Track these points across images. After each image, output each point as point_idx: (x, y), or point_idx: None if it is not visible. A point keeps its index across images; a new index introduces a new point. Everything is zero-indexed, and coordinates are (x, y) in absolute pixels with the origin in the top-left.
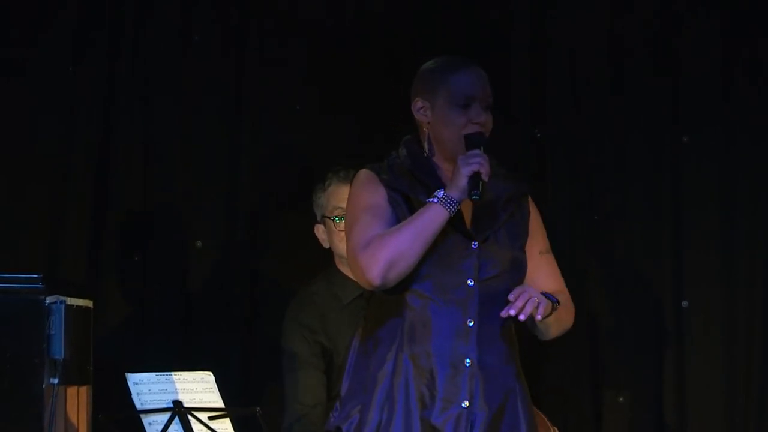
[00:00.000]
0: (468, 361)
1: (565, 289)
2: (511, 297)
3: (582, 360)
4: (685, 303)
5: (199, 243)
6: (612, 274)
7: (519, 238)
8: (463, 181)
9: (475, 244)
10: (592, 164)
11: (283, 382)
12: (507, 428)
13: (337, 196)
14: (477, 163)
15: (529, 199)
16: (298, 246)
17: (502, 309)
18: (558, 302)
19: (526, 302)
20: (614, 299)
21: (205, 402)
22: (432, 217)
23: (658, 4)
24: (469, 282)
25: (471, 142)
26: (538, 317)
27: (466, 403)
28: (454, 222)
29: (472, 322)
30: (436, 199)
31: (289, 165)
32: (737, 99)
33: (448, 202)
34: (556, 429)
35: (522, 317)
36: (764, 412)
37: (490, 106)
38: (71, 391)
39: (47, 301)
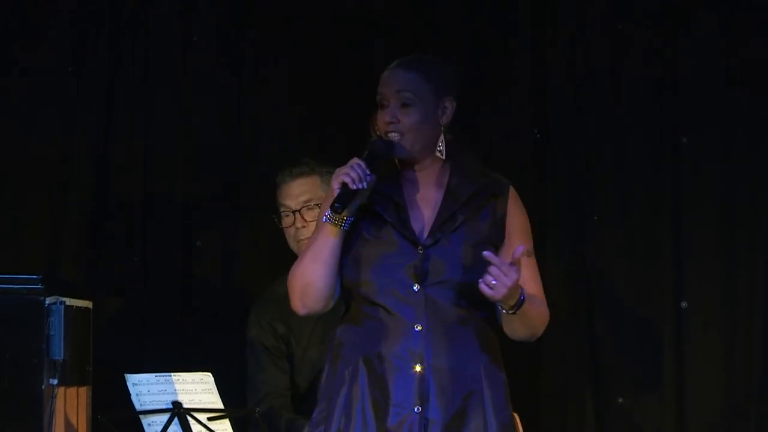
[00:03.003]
0: (418, 366)
1: (543, 297)
2: (486, 255)
3: (582, 361)
4: (684, 304)
5: (199, 243)
6: (612, 275)
7: (481, 238)
8: (336, 194)
9: (420, 249)
10: (592, 164)
11: (247, 374)
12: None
13: (281, 192)
14: (344, 173)
15: (510, 198)
16: None
17: (454, 313)
18: (524, 298)
19: (496, 283)
20: (614, 300)
21: (204, 403)
22: (324, 236)
23: (658, 4)
24: (414, 287)
25: (367, 148)
26: (489, 291)
27: (418, 409)
28: (399, 228)
29: (420, 327)
30: (324, 218)
31: (288, 165)
32: (737, 99)
33: (332, 218)
34: (515, 414)
35: (483, 286)
36: (764, 413)
37: (411, 102)
38: (71, 391)
39: (47, 302)
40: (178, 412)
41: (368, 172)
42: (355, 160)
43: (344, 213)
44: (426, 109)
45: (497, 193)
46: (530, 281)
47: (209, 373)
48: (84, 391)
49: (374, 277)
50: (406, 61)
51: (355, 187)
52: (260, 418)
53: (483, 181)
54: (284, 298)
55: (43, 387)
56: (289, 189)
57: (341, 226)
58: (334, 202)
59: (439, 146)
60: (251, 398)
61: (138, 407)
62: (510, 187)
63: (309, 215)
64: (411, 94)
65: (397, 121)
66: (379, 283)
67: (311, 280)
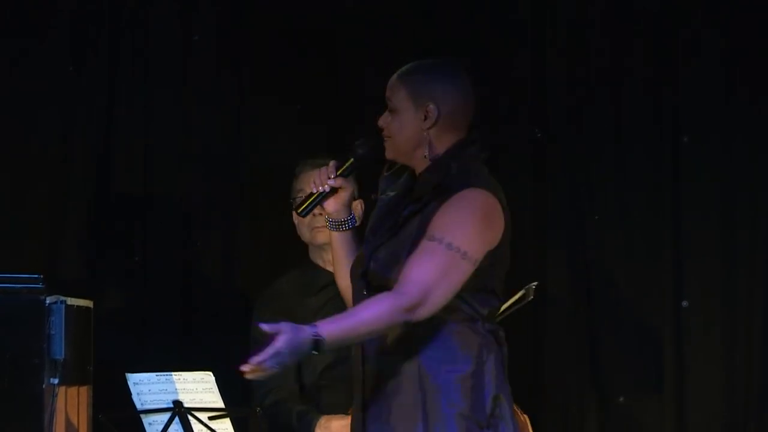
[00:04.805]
0: (361, 368)
1: (407, 280)
2: None
3: (582, 360)
4: (685, 303)
5: (199, 243)
6: (612, 275)
7: (407, 239)
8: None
9: (368, 259)
10: (593, 164)
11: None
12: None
13: (299, 181)
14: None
15: (452, 198)
16: (298, 246)
17: None
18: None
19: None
20: (614, 299)
21: (205, 402)
22: (332, 240)
23: (658, 4)
24: (364, 292)
25: (351, 150)
26: None
27: (361, 409)
28: (366, 234)
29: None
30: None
31: (289, 165)
32: (737, 99)
33: (330, 224)
34: (526, 416)
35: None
36: (764, 413)
37: (393, 108)
38: (71, 391)
39: (47, 301)
40: (179, 411)
41: (334, 175)
42: (330, 163)
43: (325, 215)
44: (405, 115)
45: (441, 199)
46: (407, 264)
47: (210, 373)
48: (85, 391)
49: (351, 283)
50: (403, 67)
51: (315, 190)
52: (262, 415)
53: (434, 183)
54: (286, 294)
55: (43, 386)
56: (308, 177)
57: (331, 228)
58: (295, 207)
59: (425, 152)
60: (258, 390)
61: (139, 406)
62: (461, 190)
63: (327, 204)
64: (392, 101)
65: (385, 126)
66: (353, 288)
67: (338, 281)
